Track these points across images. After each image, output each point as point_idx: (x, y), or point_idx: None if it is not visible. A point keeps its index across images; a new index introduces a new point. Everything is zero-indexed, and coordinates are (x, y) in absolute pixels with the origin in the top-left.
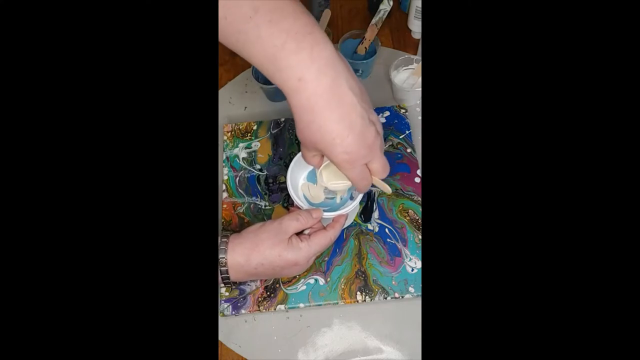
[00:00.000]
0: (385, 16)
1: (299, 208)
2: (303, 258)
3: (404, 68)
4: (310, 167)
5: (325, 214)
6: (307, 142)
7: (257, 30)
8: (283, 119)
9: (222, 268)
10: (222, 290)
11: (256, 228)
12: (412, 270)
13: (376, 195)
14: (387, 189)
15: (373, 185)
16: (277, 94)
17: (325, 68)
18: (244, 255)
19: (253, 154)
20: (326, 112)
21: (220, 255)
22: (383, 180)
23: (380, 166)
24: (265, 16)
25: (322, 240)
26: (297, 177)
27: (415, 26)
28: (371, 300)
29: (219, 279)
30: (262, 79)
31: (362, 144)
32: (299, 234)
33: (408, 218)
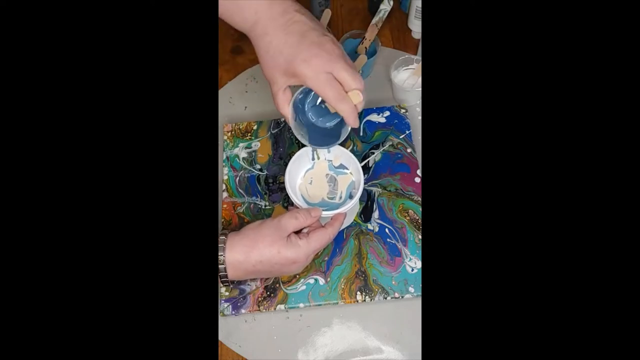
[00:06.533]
0: (385, 16)
1: (298, 207)
2: (302, 256)
3: (404, 68)
4: (309, 166)
5: (324, 212)
6: (270, 68)
7: None
8: (283, 119)
9: (220, 266)
10: (222, 290)
11: (255, 226)
12: (412, 270)
13: (376, 195)
14: (360, 99)
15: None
16: None
17: (276, 4)
18: (244, 252)
19: (253, 153)
20: (280, 31)
21: (218, 253)
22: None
23: (348, 75)
24: None
25: (322, 238)
26: (295, 177)
27: (415, 26)
28: (371, 300)
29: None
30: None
31: (319, 49)
32: (298, 232)
33: (408, 218)
